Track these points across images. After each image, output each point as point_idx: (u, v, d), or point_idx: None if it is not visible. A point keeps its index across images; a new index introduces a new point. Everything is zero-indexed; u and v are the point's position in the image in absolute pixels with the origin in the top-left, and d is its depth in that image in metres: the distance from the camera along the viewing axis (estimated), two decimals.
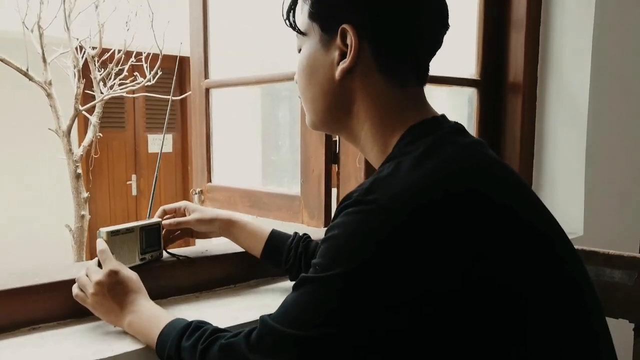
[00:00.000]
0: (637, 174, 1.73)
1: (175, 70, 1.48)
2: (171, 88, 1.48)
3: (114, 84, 3.45)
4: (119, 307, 0.79)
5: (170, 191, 5.49)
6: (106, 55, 3.42)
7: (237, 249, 1.03)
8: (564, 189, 1.52)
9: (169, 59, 3.43)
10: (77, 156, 3.30)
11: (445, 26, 0.69)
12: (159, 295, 0.95)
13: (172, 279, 0.99)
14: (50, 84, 3.17)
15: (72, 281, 0.84)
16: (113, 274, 0.80)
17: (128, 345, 0.77)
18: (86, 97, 3.41)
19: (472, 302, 0.53)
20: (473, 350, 0.54)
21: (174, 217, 1.01)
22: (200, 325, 0.70)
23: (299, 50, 0.72)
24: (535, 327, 0.55)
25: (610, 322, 0.68)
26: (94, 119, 3.41)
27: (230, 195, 1.61)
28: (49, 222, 4.26)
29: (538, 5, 1.50)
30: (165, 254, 0.99)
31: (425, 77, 0.70)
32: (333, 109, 0.70)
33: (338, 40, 0.66)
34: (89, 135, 3.41)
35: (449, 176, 0.57)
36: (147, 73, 3.52)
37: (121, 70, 3.44)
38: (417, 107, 0.68)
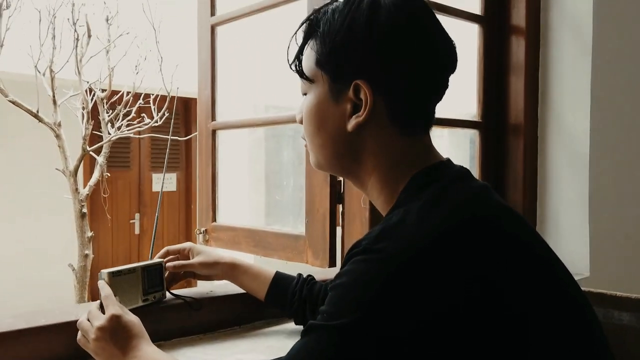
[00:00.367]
0: None
1: (173, 111, 1.51)
2: (171, 128, 1.51)
3: (122, 125, 3.52)
4: (121, 353, 0.78)
5: (173, 230, 5.48)
6: (115, 98, 3.50)
7: (242, 290, 1.03)
8: (569, 230, 1.52)
9: (177, 101, 3.50)
10: (82, 196, 3.32)
11: (454, 70, 0.70)
12: (163, 336, 0.94)
13: (175, 321, 0.98)
14: (59, 125, 3.24)
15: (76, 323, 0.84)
16: (115, 319, 0.79)
17: None
18: (93, 138, 3.47)
19: (475, 337, 0.54)
20: None
21: (177, 258, 1.01)
22: None
23: (304, 93, 0.72)
24: (538, 345, 0.56)
25: None
26: (101, 159, 3.45)
27: (234, 234, 1.62)
28: (52, 261, 4.24)
29: (536, 49, 1.55)
30: (170, 296, 0.99)
31: (432, 123, 0.71)
32: (341, 157, 0.70)
33: (350, 94, 0.66)
34: (95, 174, 3.45)
35: (454, 227, 0.58)
36: (154, 114, 3.60)
37: (129, 112, 3.52)
38: (424, 153, 0.69)
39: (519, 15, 1.53)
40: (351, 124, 0.67)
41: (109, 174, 3.61)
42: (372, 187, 0.70)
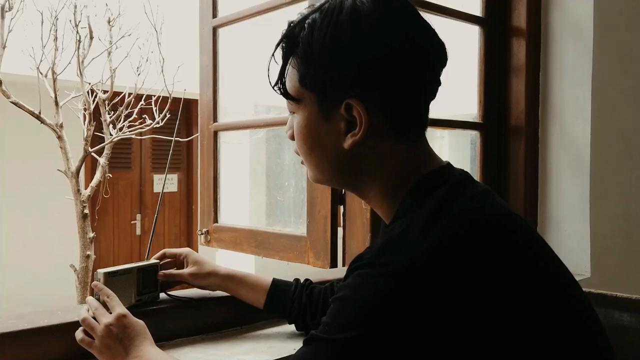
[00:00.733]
0: None
1: (178, 112, 1.52)
2: (176, 129, 1.51)
3: (123, 126, 3.52)
4: (125, 352, 0.78)
5: (174, 231, 5.49)
6: (117, 99, 3.51)
7: None
8: (570, 231, 1.52)
9: (177, 101, 3.51)
10: (84, 197, 3.33)
11: (444, 65, 0.67)
12: (165, 337, 0.95)
13: (178, 321, 0.98)
14: (61, 126, 3.25)
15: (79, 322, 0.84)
16: (122, 318, 0.80)
17: None
18: (95, 139, 3.48)
19: (479, 350, 0.55)
20: None
21: (172, 262, 1.01)
22: None
23: (291, 112, 0.69)
24: (543, 351, 0.56)
25: None
26: (102, 160, 3.46)
27: (236, 235, 1.62)
28: (54, 262, 4.25)
29: (537, 51, 1.55)
30: (165, 296, 0.99)
31: (427, 124, 0.69)
32: (340, 173, 0.69)
33: (342, 111, 0.63)
34: (97, 176, 3.46)
35: (456, 242, 0.57)
36: (155, 115, 3.61)
37: (131, 113, 3.53)
38: (423, 159, 0.67)
39: (519, 17, 1.54)
40: (347, 142, 0.64)
41: (110, 175, 3.62)
42: (373, 198, 0.69)
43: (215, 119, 1.69)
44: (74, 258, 3.35)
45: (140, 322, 0.82)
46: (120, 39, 3.49)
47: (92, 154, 3.40)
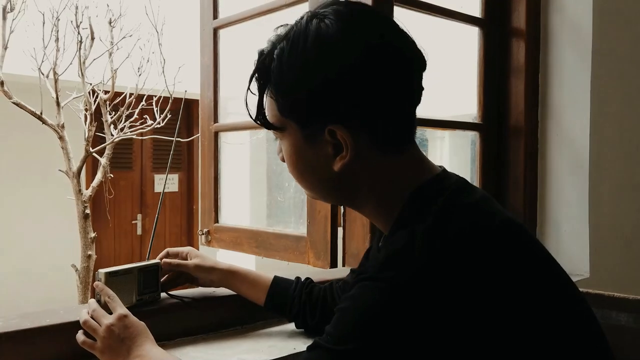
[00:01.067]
0: None
1: (180, 112, 1.52)
2: (177, 129, 1.52)
3: (124, 126, 3.53)
4: (127, 352, 0.79)
5: (175, 231, 5.50)
6: (118, 99, 3.52)
7: None
8: (569, 231, 1.52)
9: (178, 102, 3.52)
10: (86, 197, 3.34)
11: (424, 68, 0.66)
12: (166, 337, 0.95)
13: (179, 321, 0.99)
14: (62, 127, 3.26)
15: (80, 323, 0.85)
16: (123, 318, 0.81)
17: None
18: (96, 139, 3.49)
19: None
20: None
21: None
22: None
23: (275, 138, 0.70)
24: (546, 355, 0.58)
25: None
26: (104, 160, 3.47)
27: (236, 235, 1.63)
28: (55, 262, 4.26)
29: (537, 52, 1.56)
30: (165, 296, 1.00)
31: (415, 129, 0.68)
32: (334, 192, 0.69)
33: (327, 137, 0.63)
34: (98, 176, 3.47)
35: (458, 256, 0.57)
36: (156, 116, 3.62)
37: (132, 114, 3.54)
38: (416, 168, 0.67)
39: (519, 18, 1.54)
40: (337, 165, 0.64)
41: (111, 175, 3.63)
42: (370, 212, 0.70)
43: (216, 120, 1.70)
44: (75, 258, 3.36)
45: (142, 322, 0.83)
46: (122, 40, 3.50)
47: (94, 154, 3.41)
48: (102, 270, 0.88)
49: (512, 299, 0.58)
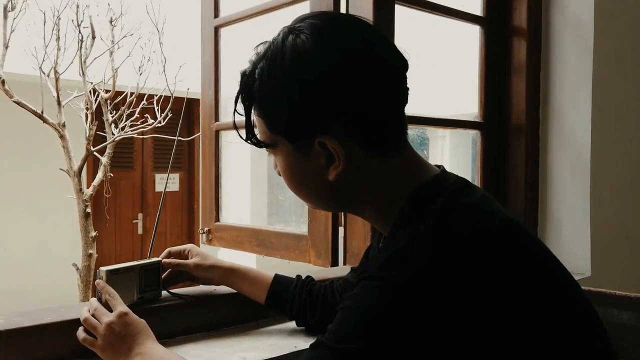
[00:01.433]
0: None
1: (182, 112, 1.52)
2: (179, 128, 1.52)
3: (125, 125, 3.53)
4: (127, 349, 0.79)
5: (176, 230, 5.50)
6: (119, 98, 3.52)
7: None
8: (570, 230, 1.52)
9: (179, 101, 3.52)
10: (86, 196, 3.34)
11: (407, 68, 0.67)
12: (167, 334, 0.95)
13: (179, 319, 0.99)
14: (63, 126, 3.26)
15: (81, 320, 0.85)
16: (124, 316, 0.81)
17: None
18: (97, 138, 3.49)
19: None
20: None
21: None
22: None
23: (270, 154, 0.70)
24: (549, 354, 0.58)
25: None
26: (104, 159, 3.47)
27: (237, 234, 1.63)
28: (56, 261, 4.27)
29: (538, 51, 1.56)
30: (166, 294, 1.00)
31: (406, 129, 0.68)
32: (332, 201, 0.70)
33: (318, 149, 0.64)
34: (99, 175, 3.47)
35: (459, 256, 0.57)
36: (157, 115, 3.62)
37: (132, 113, 3.54)
38: (413, 168, 0.67)
39: (520, 17, 1.54)
40: (331, 175, 0.65)
41: (112, 175, 3.63)
42: (369, 216, 0.70)
43: (217, 119, 1.70)
44: (76, 257, 3.37)
45: (142, 320, 0.83)
46: (122, 39, 3.50)
47: (94, 153, 3.41)
48: (104, 269, 0.88)
49: (513, 299, 0.58)
